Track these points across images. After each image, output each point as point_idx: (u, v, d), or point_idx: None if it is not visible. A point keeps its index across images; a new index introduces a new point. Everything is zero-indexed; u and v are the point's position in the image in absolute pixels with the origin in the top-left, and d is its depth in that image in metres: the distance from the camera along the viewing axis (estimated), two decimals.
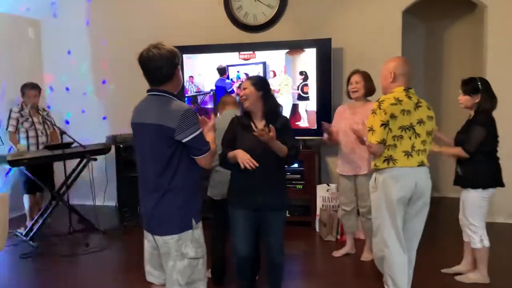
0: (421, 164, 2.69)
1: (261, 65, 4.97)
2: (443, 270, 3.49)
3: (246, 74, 4.95)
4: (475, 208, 3.17)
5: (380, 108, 2.64)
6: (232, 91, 5.01)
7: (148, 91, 2.16)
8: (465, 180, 3.20)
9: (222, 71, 5.11)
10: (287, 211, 4.48)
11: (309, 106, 4.88)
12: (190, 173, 2.11)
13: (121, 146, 5.01)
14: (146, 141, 2.11)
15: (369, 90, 3.67)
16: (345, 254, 3.94)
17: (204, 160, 2.10)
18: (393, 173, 2.67)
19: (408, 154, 2.66)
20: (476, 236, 3.18)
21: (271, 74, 4.95)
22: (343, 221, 3.98)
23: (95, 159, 4.69)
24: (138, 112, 2.19)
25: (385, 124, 2.63)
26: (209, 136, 2.23)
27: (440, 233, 4.49)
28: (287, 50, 4.88)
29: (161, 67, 2.05)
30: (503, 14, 4.67)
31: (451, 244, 4.07)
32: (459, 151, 3.13)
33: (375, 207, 2.79)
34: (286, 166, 2.84)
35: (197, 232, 2.14)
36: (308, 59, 4.84)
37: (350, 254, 3.95)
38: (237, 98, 3.32)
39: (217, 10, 5.30)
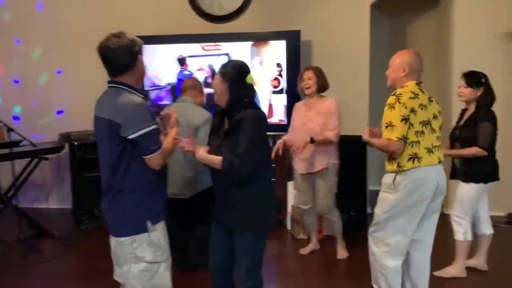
0: (440, 161, 2.56)
1: (225, 57, 4.73)
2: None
3: (209, 66, 4.75)
4: (468, 202, 3.17)
5: (399, 102, 2.45)
6: None
7: (107, 82, 2.05)
8: (467, 174, 3.17)
9: (182, 61, 4.84)
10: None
11: (278, 100, 4.72)
12: (144, 172, 1.98)
13: (75, 144, 4.63)
14: (100, 137, 2.04)
15: (322, 86, 3.62)
16: (311, 251, 3.94)
17: (152, 160, 1.96)
18: (417, 175, 2.48)
19: (429, 151, 2.50)
20: (461, 228, 3.19)
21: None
22: (303, 219, 3.97)
23: (47, 159, 4.31)
24: (97, 105, 2.08)
25: (405, 119, 2.44)
26: (172, 132, 2.13)
27: None
28: (252, 42, 4.69)
29: (119, 56, 1.95)
30: (469, 9, 4.71)
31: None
32: (477, 150, 3.10)
33: (385, 207, 2.55)
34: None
35: (155, 234, 2.01)
36: (274, 51, 4.67)
37: (316, 251, 3.96)
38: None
39: None
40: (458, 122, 3.36)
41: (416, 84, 2.58)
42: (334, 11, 4.87)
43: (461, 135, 3.22)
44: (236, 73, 2.27)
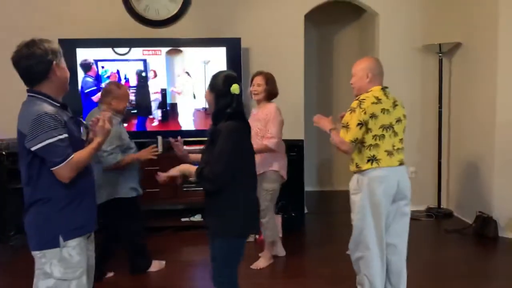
0: (401, 163, 2.69)
1: (141, 63, 4.67)
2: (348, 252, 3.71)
3: (117, 72, 4.63)
4: None
5: (360, 107, 2.58)
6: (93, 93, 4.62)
7: (26, 91, 2.00)
8: None
9: (87, 67, 4.62)
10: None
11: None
12: (57, 184, 1.91)
13: (4, 153, 4.26)
14: (18, 147, 1.96)
15: (270, 93, 3.64)
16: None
17: (57, 172, 1.88)
18: (376, 174, 2.61)
19: (389, 153, 2.63)
20: None
21: (152, 74, 4.70)
22: None
23: None
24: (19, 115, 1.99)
25: (361, 124, 2.58)
26: (99, 138, 2.05)
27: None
28: (168, 49, 4.69)
29: (31, 66, 1.90)
30: (393, 21, 5.16)
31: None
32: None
33: (357, 209, 2.69)
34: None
35: (68, 250, 1.94)
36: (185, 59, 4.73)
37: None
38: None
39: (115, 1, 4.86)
40: None
41: (382, 89, 2.71)
42: (270, 20, 5.04)
43: None
44: (221, 83, 2.32)
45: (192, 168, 2.33)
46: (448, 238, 4.40)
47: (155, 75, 4.72)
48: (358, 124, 2.59)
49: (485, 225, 4.31)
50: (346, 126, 2.63)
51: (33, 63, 1.90)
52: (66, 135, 1.90)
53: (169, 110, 4.78)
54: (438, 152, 5.09)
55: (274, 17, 5.05)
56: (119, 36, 4.72)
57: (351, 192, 2.77)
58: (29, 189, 1.93)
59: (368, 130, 2.61)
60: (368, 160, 2.64)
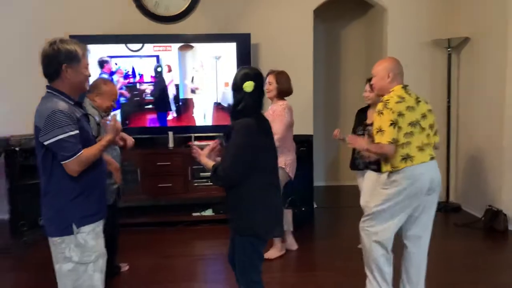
0: (432, 157, 2.72)
1: (154, 59, 4.71)
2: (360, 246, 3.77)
3: (133, 69, 4.65)
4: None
5: (386, 107, 2.61)
6: None
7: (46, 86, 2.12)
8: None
9: (103, 64, 4.67)
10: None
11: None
12: (66, 178, 2.02)
13: (16, 149, 4.29)
14: (35, 141, 2.07)
15: (281, 91, 3.68)
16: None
17: (67, 166, 1.99)
18: (411, 172, 2.63)
19: (420, 149, 2.66)
20: None
21: (166, 68, 4.74)
22: None
23: None
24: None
25: (394, 123, 2.60)
26: (108, 136, 2.14)
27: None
28: (180, 45, 4.72)
29: (45, 64, 2.04)
30: (401, 16, 5.17)
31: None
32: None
33: (380, 199, 2.70)
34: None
35: (82, 236, 2.06)
36: (211, 54, 4.76)
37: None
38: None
39: None
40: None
41: (402, 87, 2.74)
42: (280, 16, 5.06)
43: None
44: (239, 80, 2.34)
45: (210, 164, 2.36)
46: (458, 232, 4.43)
47: (170, 70, 4.76)
48: (391, 124, 2.61)
49: (494, 218, 4.34)
50: (380, 130, 2.64)
51: (46, 62, 2.03)
52: (77, 131, 1.99)
53: (182, 106, 4.82)
54: (447, 146, 5.11)
55: (283, 12, 5.07)
56: (128, 32, 4.74)
57: (380, 187, 2.77)
58: (44, 179, 2.06)
59: (399, 129, 2.63)
60: (402, 159, 2.65)
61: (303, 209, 4.66)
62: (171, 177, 4.62)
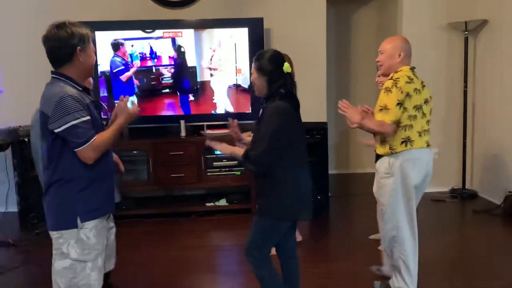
0: (428, 145, 2.66)
1: (169, 40, 4.58)
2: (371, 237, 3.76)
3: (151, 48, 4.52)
4: None
5: (396, 86, 2.50)
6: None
7: (51, 72, 2.02)
8: None
9: (116, 46, 4.54)
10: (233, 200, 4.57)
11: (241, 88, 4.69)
12: (76, 166, 1.93)
13: (26, 140, 4.17)
14: (41, 129, 1.99)
15: None
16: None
17: (80, 153, 1.91)
18: (409, 156, 2.57)
19: (420, 134, 2.61)
20: None
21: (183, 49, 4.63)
22: None
23: None
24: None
25: (400, 104, 2.51)
26: (119, 120, 2.06)
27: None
28: (195, 28, 4.60)
29: (56, 48, 1.93)
30: (415, 2, 5.01)
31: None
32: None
33: (388, 192, 2.63)
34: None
35: (85, 232, 1.97)
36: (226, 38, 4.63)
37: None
38: None
39: None
40: None
41: (410, 69, 2.65)
42: (292, 1, 4.91)
43: None
44: (273, 65, 2.27)
45: (238, 151, 2.32)
46: (477, 218, 4.36)
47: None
48: (398, 104, 2.52)
49: None
50: (385, 108, 2.53)
51: (57, 46, 1.92)
52: (88, 117, 1.92)
53: (200, 89, 4.69)
54: (463, 132, 5.01)
55: None
56: (136, 18, 4.59)
57: (381, 175, 2.67)
58: (49, 172, 1.95)
59: (404, 110, 2.55)
60: (403, 142, 2.58)
61: (318, 197, 4.57)
62: (184, 166, 4.51)
